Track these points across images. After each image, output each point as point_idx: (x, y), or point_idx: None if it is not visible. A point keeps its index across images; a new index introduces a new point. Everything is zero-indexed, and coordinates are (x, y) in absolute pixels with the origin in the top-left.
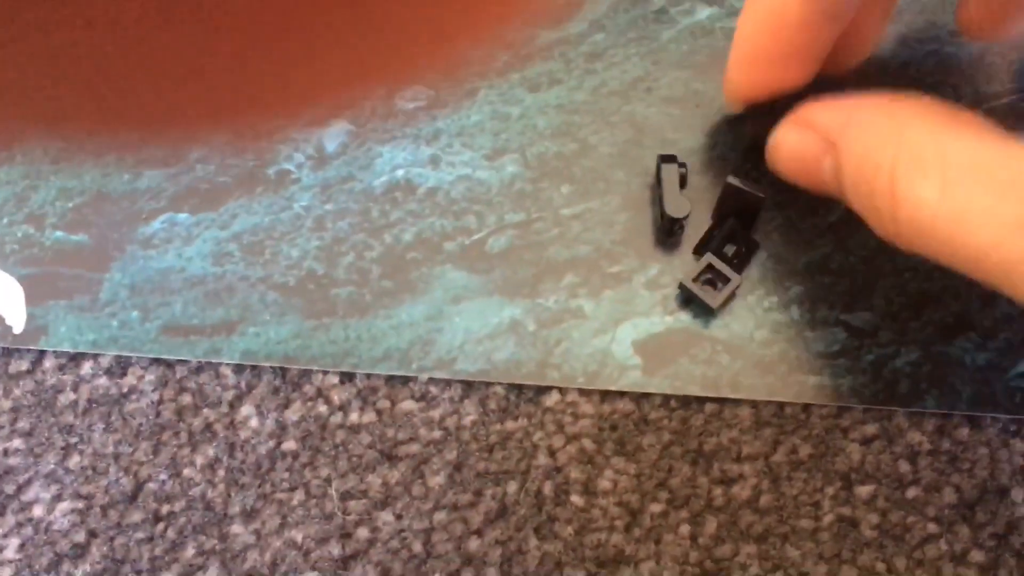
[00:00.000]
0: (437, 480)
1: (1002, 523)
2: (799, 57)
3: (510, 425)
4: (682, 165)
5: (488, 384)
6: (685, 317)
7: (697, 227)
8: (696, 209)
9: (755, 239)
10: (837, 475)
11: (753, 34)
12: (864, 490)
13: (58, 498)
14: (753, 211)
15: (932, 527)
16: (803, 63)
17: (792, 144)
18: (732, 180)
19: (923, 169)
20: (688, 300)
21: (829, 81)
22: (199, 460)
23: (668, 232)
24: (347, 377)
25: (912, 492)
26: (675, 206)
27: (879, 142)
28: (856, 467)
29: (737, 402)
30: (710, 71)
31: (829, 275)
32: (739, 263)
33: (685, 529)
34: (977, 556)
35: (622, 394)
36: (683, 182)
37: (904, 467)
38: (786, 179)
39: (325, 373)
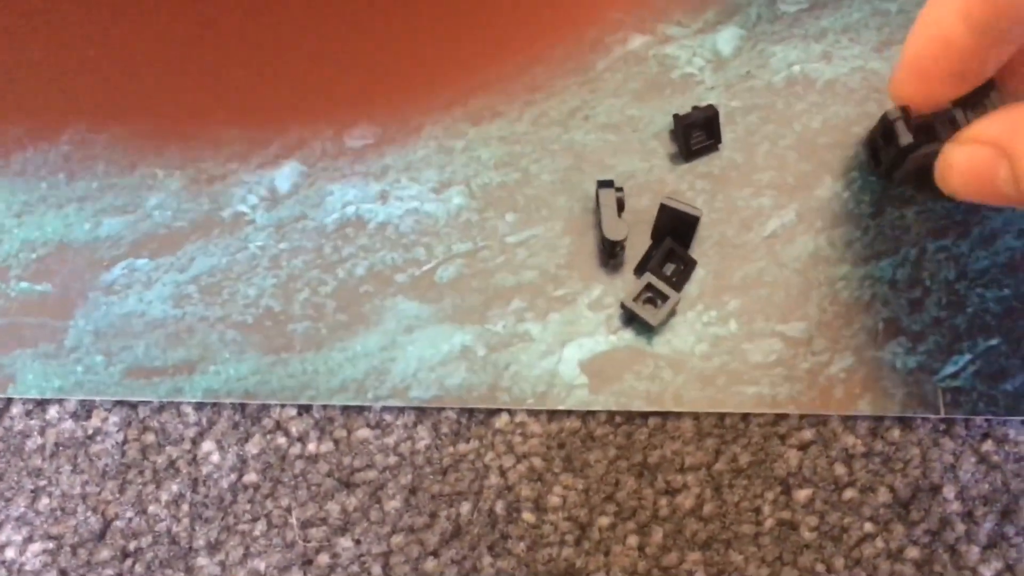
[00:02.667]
0: (393, 504)
1: (935, 520)
2: (962, 76)
3: (462, 448)
4: (619, 189)
5: (440, 409)
6: (628, 335)
7: (638, 248)
8: (635, 230)
9: (692, 257)
10: (776, 481)
11: (919, 53)
12: (802, 494)
13: (29, 539)
14: (689, 230)
15: (868, 527)
16: (966, 81)
17: (963, 160)
18: (667, 200)
19: None
20: (630, 319)
21: None
22: (164, 496)
23: (609, 254)
24: (304, 409)
25: (848, 494)
26: (613, 229)
27: None
28: (794, 472)
29: (679, 415)
30: (645, 97)
31: (764, 288)
32: (678, 281)
33: (633, 540)
34: (912, 552)
35: (568, 412)
36: (621, 205)
37: (840, 470)
38: (961, 196)
39: (283, 406)
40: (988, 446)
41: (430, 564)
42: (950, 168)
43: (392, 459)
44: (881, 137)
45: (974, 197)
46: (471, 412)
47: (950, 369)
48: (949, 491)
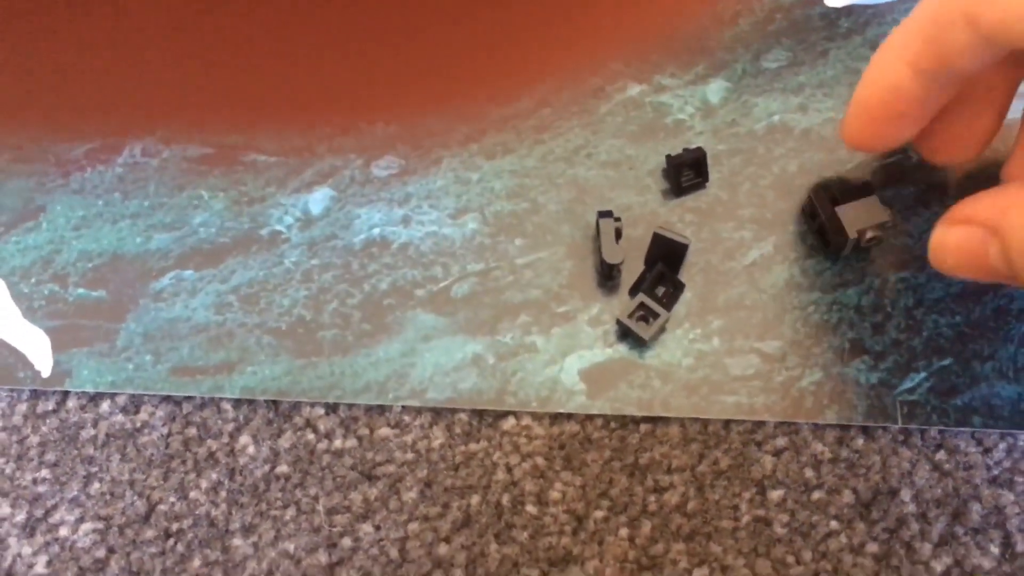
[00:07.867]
0: (410, 495)
1: (892, 519)
2: (906, 118)
3: (473, 447)
4: (617, 219)
5: (453, 411)
6: (623, 348)
7: (632, 272)
8: (630, 256)
9: (681, 280)
10: (752, 482)
11: (868, 97)
12: (775, 494)
13: (81, 520)
14: (679, 256)
15: (834, 524)
16: (909, 123)
17: (955, 241)
18: (659, 230)
19: None
20: (625, 334)
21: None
22: (204, 484)
23: (607, 277)
24: (331, 408)
25: (816, 495)
26: (612, 254)
27: None
28: (768, 475)
29: (667, 421)
30: (641, 139)
31: (744, 310)
32: (668, 301)
33: (624, 532)
34: (872, 548)
35: (569, 417)
36: (619, 234)
37: (809, 474)
38: (957, 276)
39: (312, 405)
40: (941, 456)
41: (442, 549)
42: (944, 249)
43: (410, 455)
44: (808, 216)
45: (969, 275)
46: (481, 415)
47: (907, 384)
48: (906, 494)
